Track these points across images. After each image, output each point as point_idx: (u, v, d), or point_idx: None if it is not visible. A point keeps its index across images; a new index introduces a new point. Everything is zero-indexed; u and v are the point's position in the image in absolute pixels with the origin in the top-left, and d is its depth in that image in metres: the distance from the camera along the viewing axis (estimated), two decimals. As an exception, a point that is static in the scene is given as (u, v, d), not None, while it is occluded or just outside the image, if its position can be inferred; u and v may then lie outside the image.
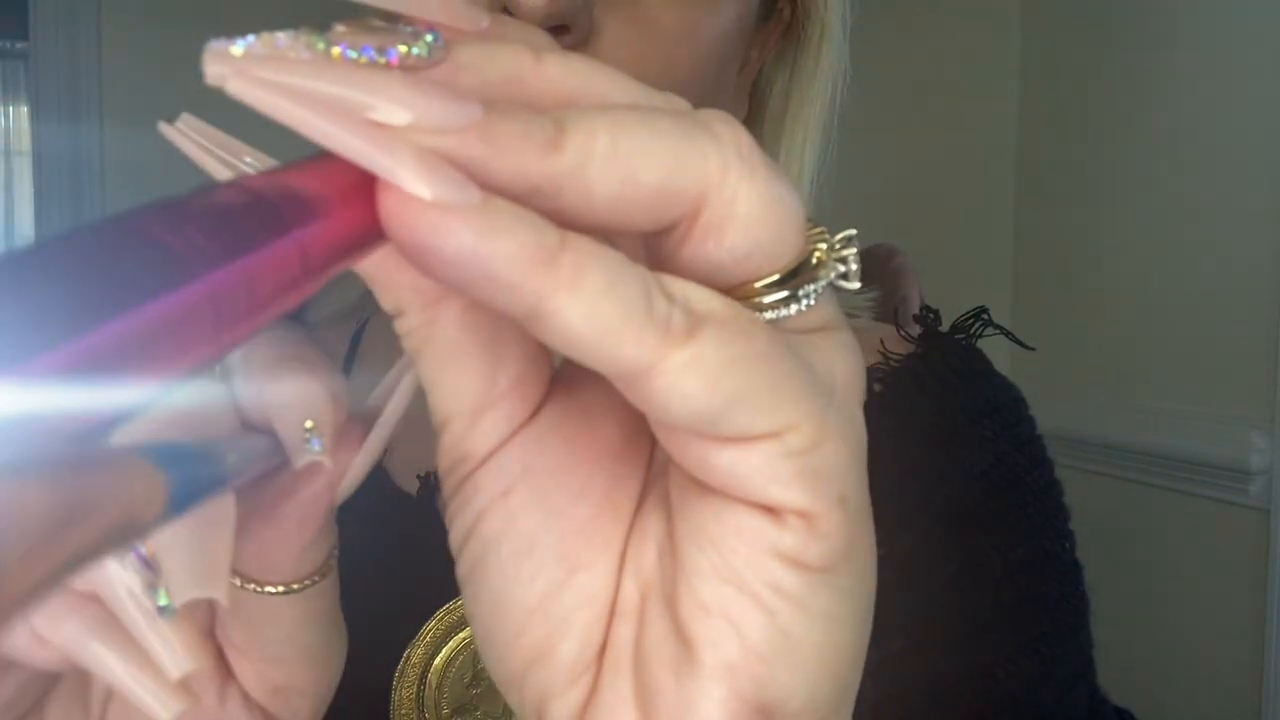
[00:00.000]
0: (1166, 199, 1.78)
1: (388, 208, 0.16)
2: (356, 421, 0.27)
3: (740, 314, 0.18)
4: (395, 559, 0.47)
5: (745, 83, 0.52)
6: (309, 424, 0.24)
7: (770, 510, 0.19)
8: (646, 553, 0.21)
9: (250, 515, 0.26)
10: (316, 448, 0.24)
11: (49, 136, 1.91)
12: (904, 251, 1.50)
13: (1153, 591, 1.77)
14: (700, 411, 0.17)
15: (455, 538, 0.22)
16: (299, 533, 0.27)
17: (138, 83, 1.89)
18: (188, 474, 0.16)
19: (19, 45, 3.55)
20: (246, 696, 0.29)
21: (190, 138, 0.21)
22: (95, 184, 1.91)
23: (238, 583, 0.28)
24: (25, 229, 3.88)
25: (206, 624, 0.29)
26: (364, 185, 0.16)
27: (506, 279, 0.16)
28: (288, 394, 0.25)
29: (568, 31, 0.38)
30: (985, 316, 0.53)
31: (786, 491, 0.18)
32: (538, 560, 0.21)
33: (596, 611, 0.21)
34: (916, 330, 0.53)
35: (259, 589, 0.28)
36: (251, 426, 0.26)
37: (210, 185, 0.15)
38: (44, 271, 0.12)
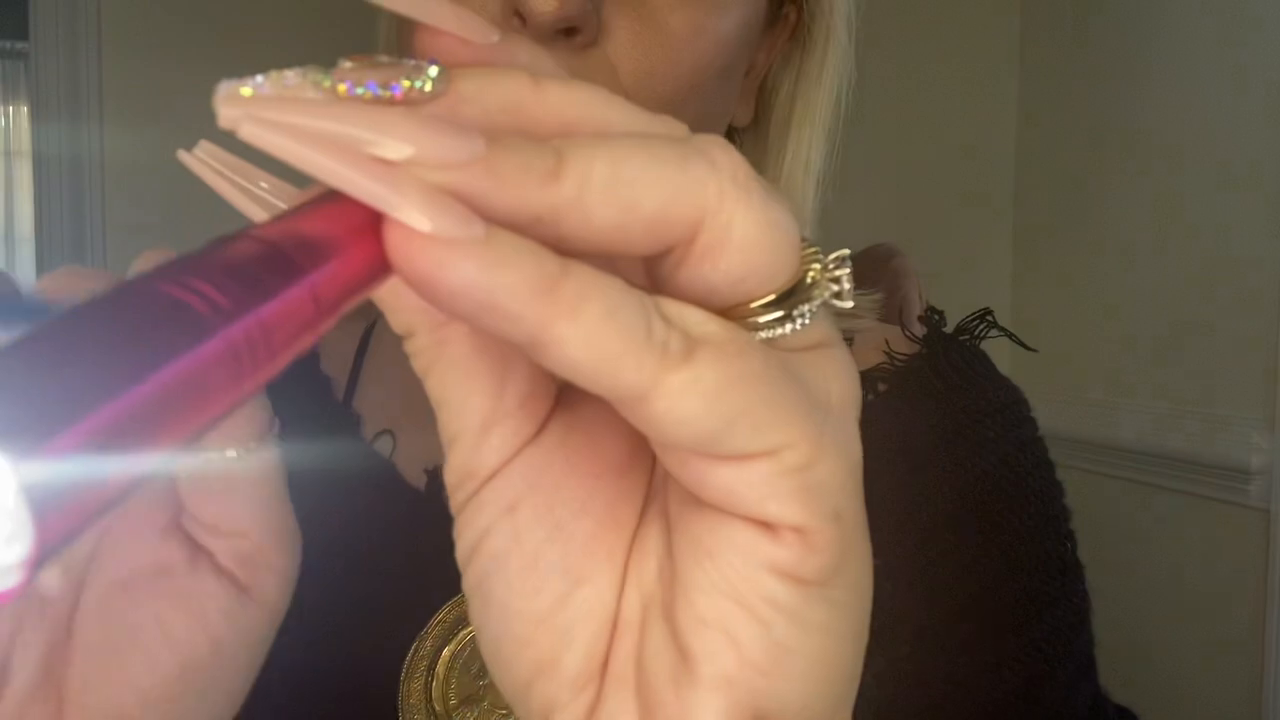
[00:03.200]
0: (1166, 199, 1.78)
1: (394, 243, 0.16)
2: None
3: (737, 335, 0.18)
4: (403, 553, 0.48)
5: (751, 86, 0.52)
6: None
7: (766, 526, 0.19)
8: (647, 566, 0.22)
9: None
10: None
11: (49, 136, 1.91)
12: (904, 251, 1.50)
13: (1153, 591, 1.77)
14: (699, 432, 0.18)
15: (462, 551, 0.23)
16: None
17: (138, 83, 1.89)
18: None
19: (19, 45, 3.55)
20: (218, 566, 0.31)
21: (209, 165, 0.21)
22: (95, 184, 1.91)
23: (202, 452, 0.30)
24: (25, 229, 3.88)
25: (174, 513, 0.31)
26: (372, 222, 0.17)
27: (509, 309, 0.16)
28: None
29: (577, 33, 0.38)
30: (990, 318, 0.54)
31: (783, 507, 0.19)
32: (542, 574, 0.22)
33: (600, 624, 0.22)
34: (921, 331, 0.53)
35: (220, 453, 0.29)
36: None
37: (222, 238, 0.16)
38: (64, 342, 0.12)
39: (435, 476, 0.50)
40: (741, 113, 0.51)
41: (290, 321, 0.15)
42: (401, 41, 0.47)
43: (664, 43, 0.41)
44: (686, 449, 0.18)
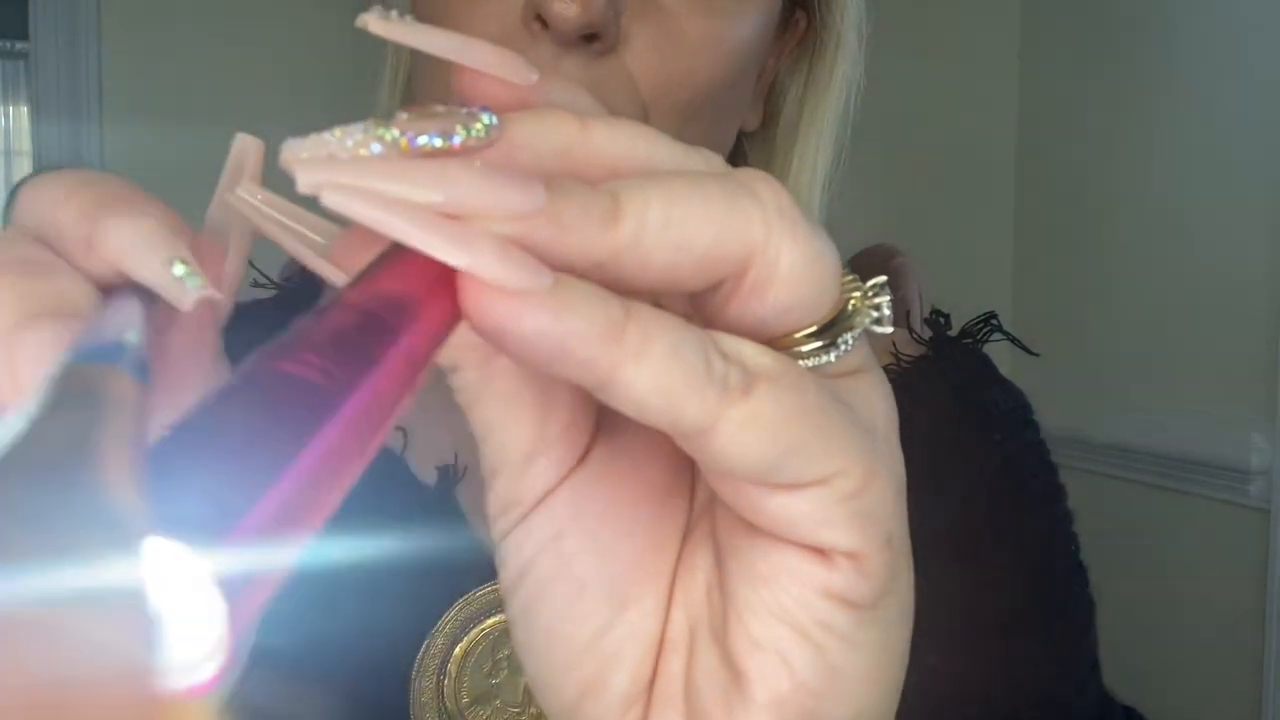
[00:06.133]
0: (1166, 199, 1.78)
1: (469, 297, 0.17)
2: (204, 237, 0.25)
3: (790, 368, 0.19)
4: (414, 551, 0.48)
5: (761, 90, 0.52)
6: (178, 265, 0.22)
7: (820, 552, 0.20)
8: (694, 587, 0.22)
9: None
10: (197, 283, 0.22)
11: (49, 136, 1.91)
12: (904, 252, 1.50)
13: (1153, 591, 1.77)
14: (758, 463, 0.18)
15: (507, 579, 0.23)
16: (199, 359, 0.25)
17: (138, 83, 1.89)
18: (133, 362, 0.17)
19: (19, 45, 3.55)
20: None
21: (254, 207, 0.21)
22: (95, 184, 1.91)
23: None
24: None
25: None
26: (443, 275, 0.17)
27: (579, 355, 0.17)
28: (130, 242, 0.22)
29: (598, 39, 0.39)
30: (994, 322, 0.54)
31: (837, 534, 0.19)
32: (589, 599, 0.22)
33: (646, 645, 0.22)
34: (927, 334, 0.54)
35: None
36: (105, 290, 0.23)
37: (319, 309, 0.16)
38: (212, 433, 0.13)
39: (446, 473, 0.50)
40: (750, 117, 0.52)
41: (394, 383, 0.16)
42: (416, 71, 0.47)
43: (682, 51, 0.41)
44: (744, 479, 0.19)
